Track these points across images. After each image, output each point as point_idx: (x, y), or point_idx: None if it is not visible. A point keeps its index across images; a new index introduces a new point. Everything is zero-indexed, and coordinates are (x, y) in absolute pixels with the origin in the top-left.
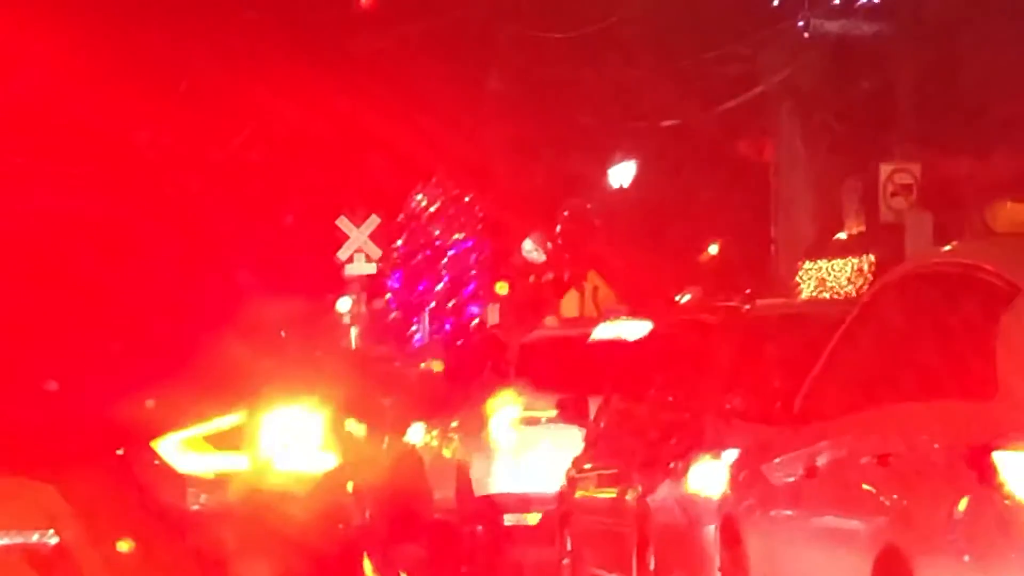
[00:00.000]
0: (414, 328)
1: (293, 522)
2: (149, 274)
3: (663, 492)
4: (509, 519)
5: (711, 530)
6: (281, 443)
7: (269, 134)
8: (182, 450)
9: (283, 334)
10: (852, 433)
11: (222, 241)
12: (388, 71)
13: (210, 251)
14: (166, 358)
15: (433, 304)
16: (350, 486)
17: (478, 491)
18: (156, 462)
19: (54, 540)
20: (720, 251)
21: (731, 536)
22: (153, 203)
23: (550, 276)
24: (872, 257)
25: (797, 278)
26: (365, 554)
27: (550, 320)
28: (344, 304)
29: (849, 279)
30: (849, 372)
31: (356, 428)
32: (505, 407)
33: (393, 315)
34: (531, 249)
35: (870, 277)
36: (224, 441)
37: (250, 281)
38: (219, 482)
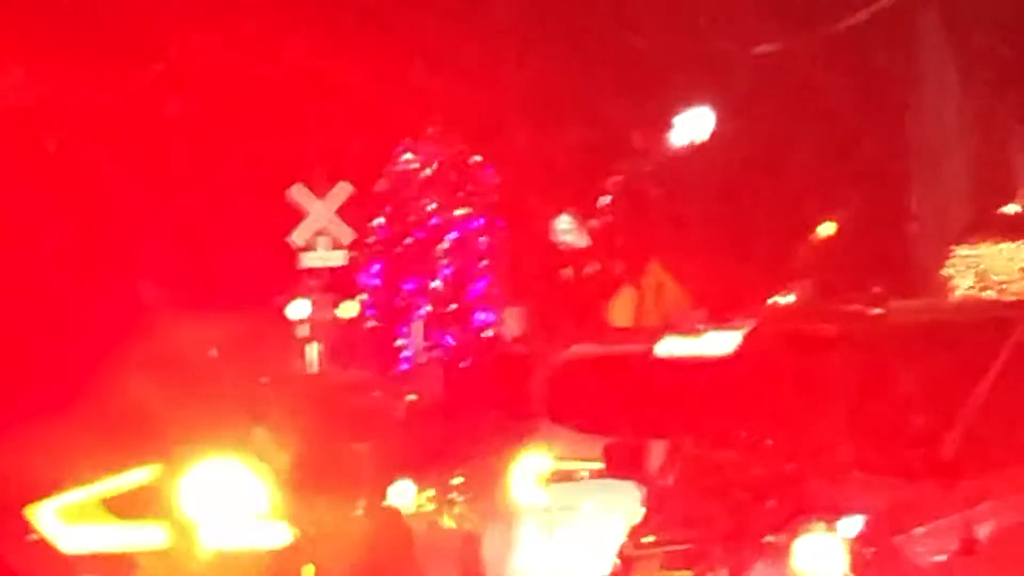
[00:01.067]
0: (401, 343)
1: None
2: (20, 274)
3: None
4: None
5: None
6: (210, 509)
7: (191, 75)
8: (68, 519)
9: (213, 354)
10: None
11: (127, 226)
12: None
13: (110, 240)
14: (48, 390)
15: (428, 309)
16: (310, 572)
17: None
18: (30, 536)
19: None
20: (837, 232)
21: None
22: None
23: (595, 268)
24: None
25: (947, 269)
26: None
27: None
28: (299, 310)
29: (1022, 271)
30: (1022, 404)
31: (316, 487)
32: (531, 456)
33: (371, 324)
34: (567, 230)
35: None
36: (129, 506)
37: (166, 282)
38: (122, 564)
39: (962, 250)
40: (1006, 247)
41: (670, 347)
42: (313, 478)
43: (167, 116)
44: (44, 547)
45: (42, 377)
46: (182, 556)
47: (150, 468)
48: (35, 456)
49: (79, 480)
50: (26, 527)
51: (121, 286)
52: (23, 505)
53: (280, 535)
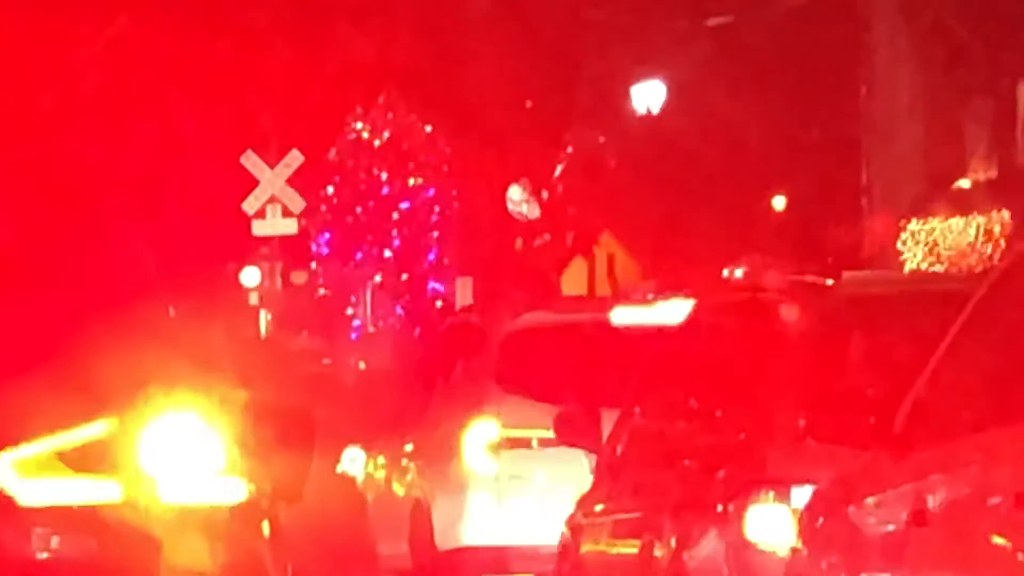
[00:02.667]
0: (351, 311)
1: None
2: None
3: (707, 546)
4: None
5: None
6: (167, 463)
7: (145, 41)
8: (24, 472)
9: (171, 312)
10: (978, 463)
11: (83, 186)
12: None
13: (67, 200)
14: (4, 344)
15: (379, 278)
16: (266, 527)
17: (443, 543)
18: None
19: None
20: (789, 205)
21: None
22: None
23: (546, 238)
24: (1006, 214)
25: (899, 243)
26: None
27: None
28: (251, 277)
29: (972, 244)
30: (973, 376)
31: (271, 448)
32: (481, 424)
33: (321, 292)
34: (520, 200)
35: (1003, 242)
36: (86, 460)
37: (123, 240)
38: (78, 519)
39: (913, 224)
40: (956, 221)
41: (621, 317)
42: (267, 439)
43: (122, 82)
44: (0, 499)
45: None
46: (139, 510)
47: (107, 422)
48: None
49: (35, 433)
50: None
51: (79, 245)
52: None
53: (238, 491)
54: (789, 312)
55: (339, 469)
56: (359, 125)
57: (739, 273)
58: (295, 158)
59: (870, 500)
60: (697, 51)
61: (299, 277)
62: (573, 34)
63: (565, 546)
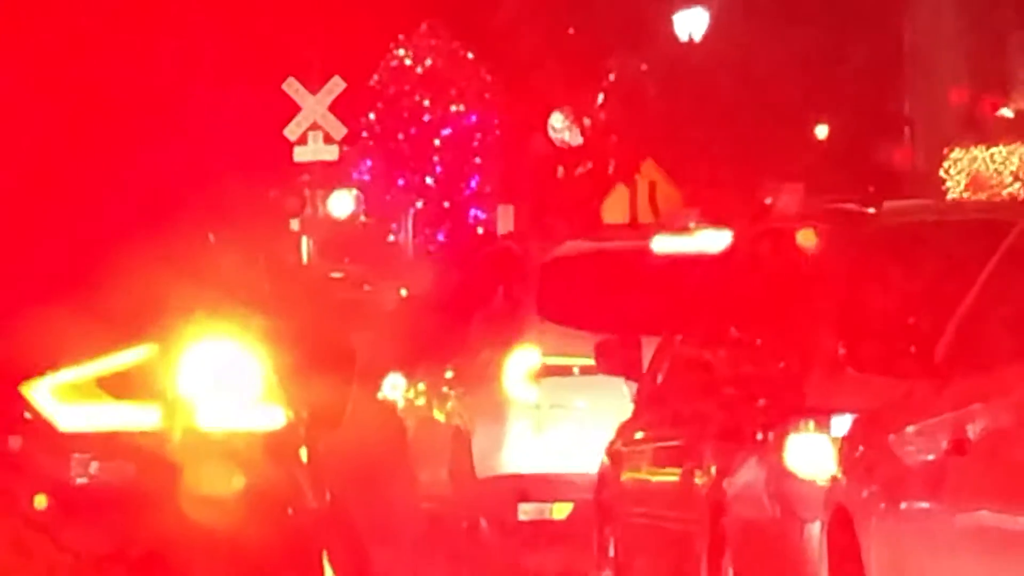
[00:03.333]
0: (393, 238)
1: (222, 503)
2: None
3: (747, 474)
4: (526, 511)
5: (814, 528)
6: (206, 390)
7: None
8: (64, 398)
9: (211, 238)
10: (1018, 391)
11: (123, 110)
12: None
13: (107, 122)
14: (41, 266)
15: (420, 204)
16: (303, 454)
17: (482, 471)
18: (26, 415)
19: None
20: (831, 134)
21: (843, 537)
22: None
23: (588, 166)
24: None
25: (942, 171)
26: (324, 553)
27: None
28: (293, 204)
29: (1016, 174)
30: (1014, 305)
31: (310, 375)
32: (522, 352)
33: (363, 220)
34: (561, 128)
35: None
36: (124, 386)
37: (164, 166)
38: (117, 444)
39: (957, 153)
40: (999, 150)
41: (662, 246)
42: (306, 365)
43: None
44: (40, 424)
45: (40, 256)
46: (177, 436)
47: (146, 348)
48: (31, 334)
49: (74, 359)
50: (23, 404)
51: (131, 164)
52: (17, 382)
53: (275, 418)
54: (807, 238)
55: (379, 396)
56: (401, 52)
57: (782, 201)
58: (337, 84)
59: (910, 429)
60: None
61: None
62: None
63: (605, 474)
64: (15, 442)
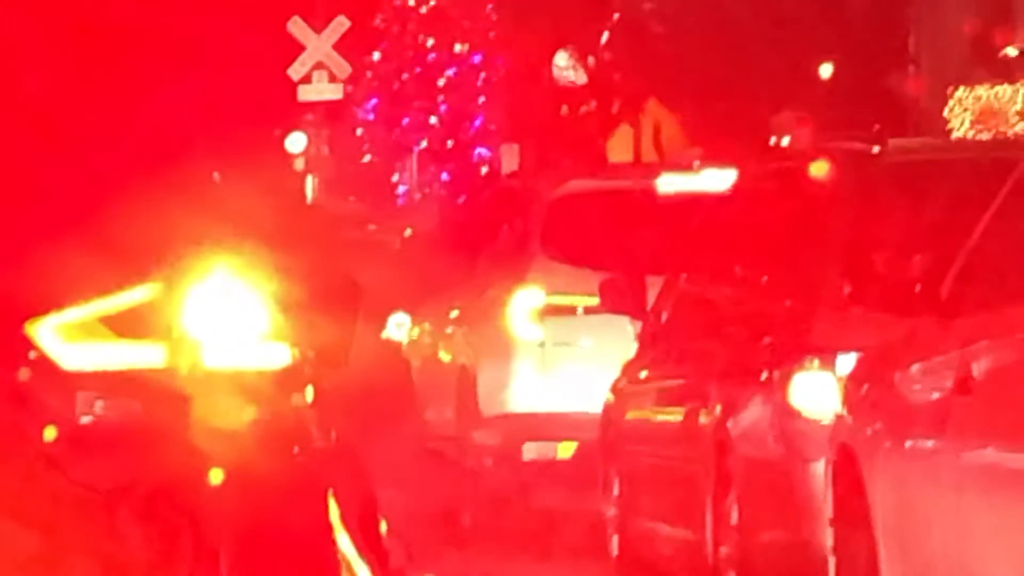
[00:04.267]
0: (397, 178)
1: (228, 441)
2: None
3: (751, 413)
4: (531, 450)
5: (819, 467)
6: (211, 328)
7: None
8: (68, 337)
9: (216, 177)
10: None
11: (123, 46)
12: None
13: (107, 59)
14: (44, 205)
15: (424, 144)
16: (309, 393)
17: (487, 410)
18: (31, 354)
19: None
20: (835, 71)
21: (848, 476)
22: None
23: (592, 105)
24: None
25: (946, 110)
26: (330, 492)
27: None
28: (297, 142)
29: (1020, 112)
30: (1019, 243)
31: (315, 313)
32: (527, 291)
33: (367, 158)
34: (565, 67)
35: None
36: (129, 325)
37: (168, 103)
38: (122, 383)
39: (961, 92)
40: (1004, 89)
41: (667, 185)
42: (311, 304)
43: None
44: (44, 363)
45: (42, 194)
46: (182, 374)
47: (150, 287)
48: (34, 273)
49: (78, 298)
50: (27, 344)
51: (133, 100)
52: (21, 321)
53: (281, 356)
54: (820, 168)
55: (384, 335)
56: None
57: (786, 141)
58: (341, 24)
59: (915, 367)
60: None
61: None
62: None
63: (609, 413)
64: (24, 374)
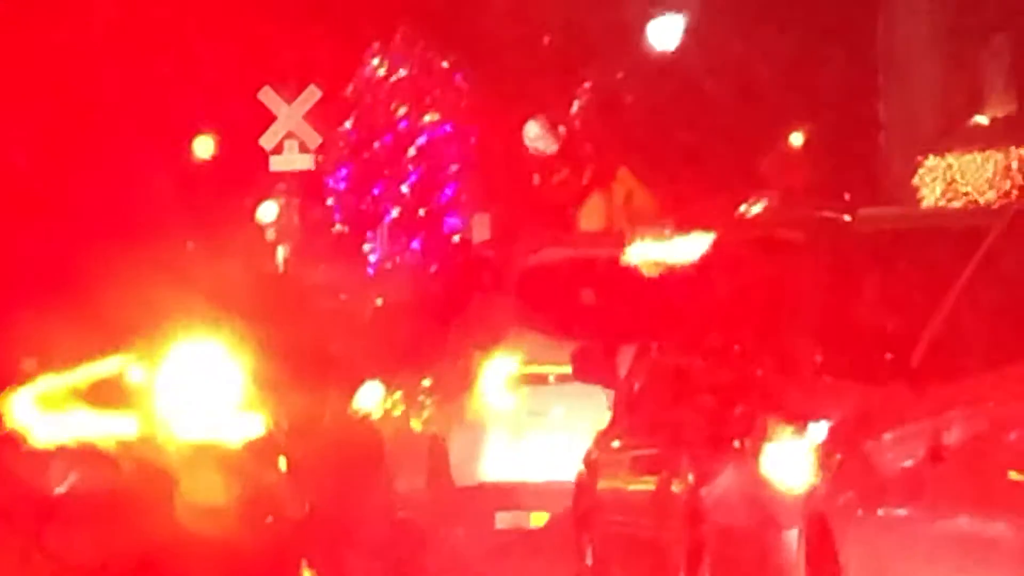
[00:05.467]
0: (368, 247)
1: (202, 512)
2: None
3: (724, 482)
4: (503, 520)
5: (792, 536)
6: (184, 398)
7: None
8: (42, 408)
9: (190, 247)
10: (995, 398)
11: (99, 121)
12: None
13: (83, 133)
14: (19, 274)
15: (396, 213)
16: (282, 463)
17: (460, 479)
18: (3, 427)
19: None
20: (806, 141)
21: (821, 544)
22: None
23: (564, 174)
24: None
25: (916, 179)
26: (303, 561)
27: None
28: (268, 211)
29: (991, 181)
30: (990, 312)
31: (288, 383)
32: (499, 360)
33: (338, 228)
34: (537, 136)
35: (1020, 179)
36: (103, 395)
37: (142, 175)
38: (95, 454)
39: (931, 160)
40: (974, 157)
41: (639, 254)
42: (284, 374)
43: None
44: (16, 437)
45: (19, 265)
46: (155, 445)
47: (124, 357)
48: (8, 344)
49: (53, 368)
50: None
51: (98, 180)
52: None
53: (254, 426)
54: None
55: (356, 405)
56: (376, 61)
57: (756, 209)
58: (312, 94)
59: (887, 436)
60: None
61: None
62: None
63: (582, 482)
64: None
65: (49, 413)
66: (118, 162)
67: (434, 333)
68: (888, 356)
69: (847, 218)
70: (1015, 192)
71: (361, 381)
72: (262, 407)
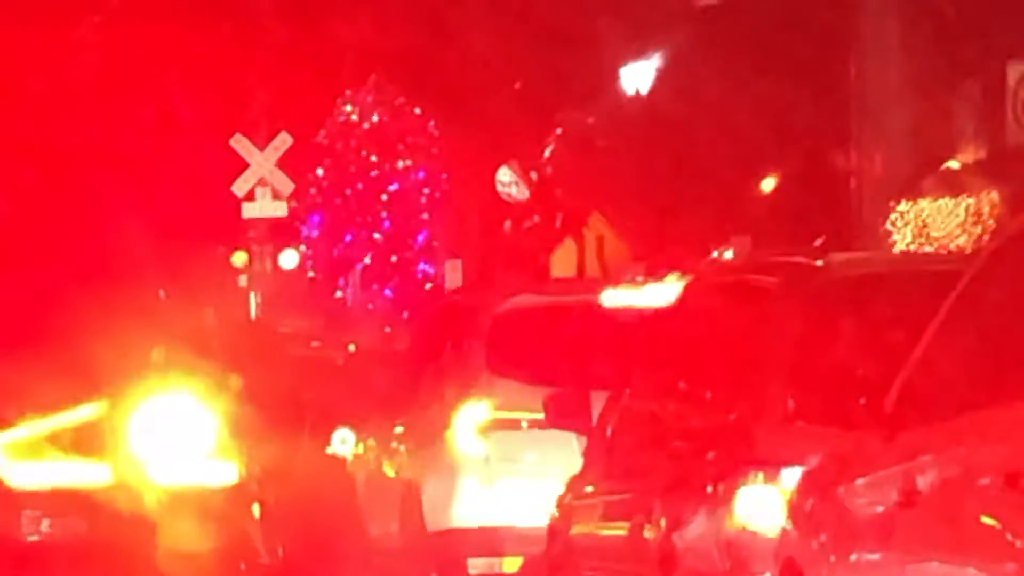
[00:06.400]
0: (340, 294)
1: (176, 558)
2: None
3: (697, 528)
4: (476, 565)
5: None
6: (157, 446)
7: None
8: (15, 455)
9: (162, 295)
10: (967, 443)
11: (73, 169)
12: None
13: (57, 182)
14: None
15: (368, 260)
16: (256, 509)
17: (433, 525)
18: None
19: None
20: (778, 186)
21: None
22: None
23: (536, 220)
24: (995, 195)
25: (888, 224)
26: None
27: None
28: (240, 259)
29: (962, 226)
30: (963, 357)
31: (261, 430)
32: (471, 407)
33: (311, 275)
34: (509, 182)
35: (992, 223)
36: (76, 443)
37: (114, 223)
38: (69, 501)
39: (903, 206)
40: (946, 203)
41: (610, 300)
42: (257, 421)
43: (112, 65)
44: None
45: None
46: (130, 492)
47: (98, 405)
48: None
49: (26, 416)
50: None
51: (71, 228)
52: None
53: (228, 473)
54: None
55: (329, 451)
56: (348, 108)
57: (728, 254)
58: (284, 141)
59: (860, 481)
60: (687, 32)
61: (289, 259)
62: (562, 15)
63: (555, 528)
64: None
65: (22, 460)
66: (91, 209)
67: (407, 379)
68: (861, 401)
69: (819, 263)
70: (987, 237)
71: (334, 427)
72: (236, 454)
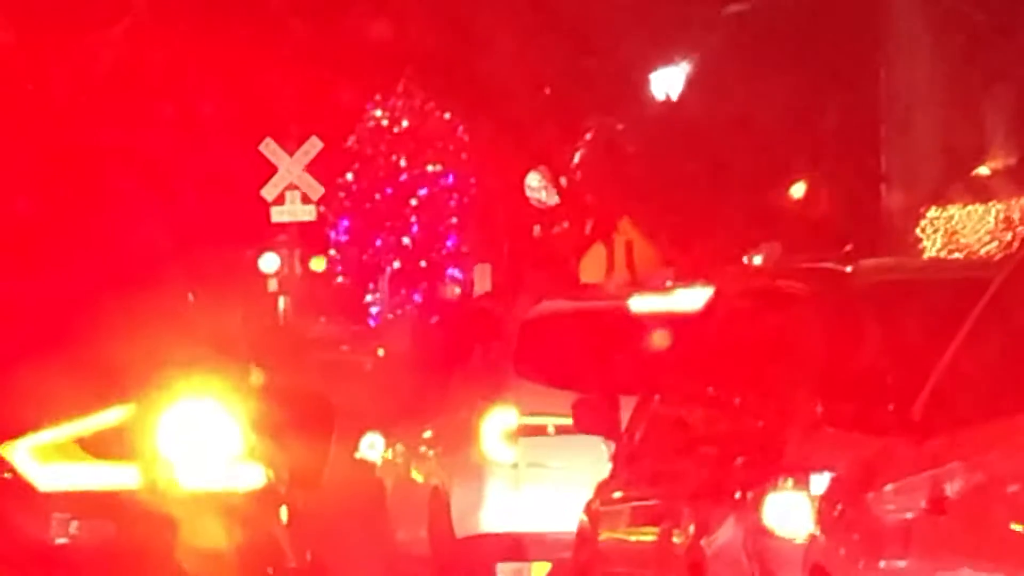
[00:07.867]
0: (370, 299)
1: (203, 562)
2: None
3: (725, 533)
4: (504, 571)
5: None
6: (185, 449)
7: (163, 24)
8: (43, 458)
9: (190, 298)
10: (998, 449)
11: (101, 172)
12: None
13: (85, 184)
14: (21, 325)
15: (397, 264)
16: (283, 513)
17: (461, 530)
18: (6, 475)
19: None
20: (808, 192)
21: None
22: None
23: (565, 225)
24: None
25: (918, 230)
26: None
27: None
28: (270, 263)
29: (991, 232)
30: (992, 363)
31: (289, 434)
32: (500, 412)
33: (340, 280)
34: (538, 187)
35: (1022, 230)
36: (104, 446)
37: (143, 226)
38: (97, 504)
39: (933, 212)
40: (975, 209)
41: (640, 305)
42: (286, 425)
43: (141, 69)
44: (19, 486)
45: (20, 316)
46: (156, 496)
47: (125, 408)
48: (9, 394)
49: (54, 419)
50: (2, 465)
51: (99, 231)
52: None
53: (255, 477)
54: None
55: (357, 456)
56: (378, 112)
57: (757, 260)
58: (314, 145)
59: (888, 487)
60: (716, 38)
61: (318, 264)
62: (592, 21)
63: (583, 533)
64: None
65: (50, 464)
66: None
67: (435, 384)
68: (890, 407)
69: (848, 269)
70: (1016, 243)
71: (363, 432)
72: (263, 458)
